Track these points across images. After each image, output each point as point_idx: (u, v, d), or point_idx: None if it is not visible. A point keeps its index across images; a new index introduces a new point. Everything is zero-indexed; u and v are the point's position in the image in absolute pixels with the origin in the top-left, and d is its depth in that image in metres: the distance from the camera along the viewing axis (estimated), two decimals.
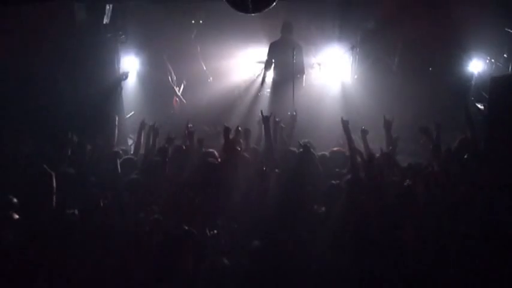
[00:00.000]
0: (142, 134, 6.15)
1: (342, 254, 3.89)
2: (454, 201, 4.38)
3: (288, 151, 5.68)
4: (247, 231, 4.22)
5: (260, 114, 5.84)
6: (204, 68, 9.93)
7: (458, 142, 5.79)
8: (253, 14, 5.28)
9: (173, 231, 3.93)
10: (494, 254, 3.70)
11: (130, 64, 8.89)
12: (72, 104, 7.20)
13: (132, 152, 6.36)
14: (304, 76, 8.99)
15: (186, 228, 3.85)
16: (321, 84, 9.46)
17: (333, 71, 9.51)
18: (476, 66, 8.91)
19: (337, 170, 5.41)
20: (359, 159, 5.20)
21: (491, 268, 3.64)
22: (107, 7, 7.54)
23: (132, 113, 8.71)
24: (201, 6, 9.75)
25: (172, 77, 9.58)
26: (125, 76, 8.35)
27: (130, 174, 5.22)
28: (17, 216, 4.19)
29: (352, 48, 9.26)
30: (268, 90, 9.23)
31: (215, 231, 3.84)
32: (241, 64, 9.88)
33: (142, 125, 6.21)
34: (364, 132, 5.65)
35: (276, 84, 8.98)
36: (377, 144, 5.67)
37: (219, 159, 5.37)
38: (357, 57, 9.53)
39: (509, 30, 8.10)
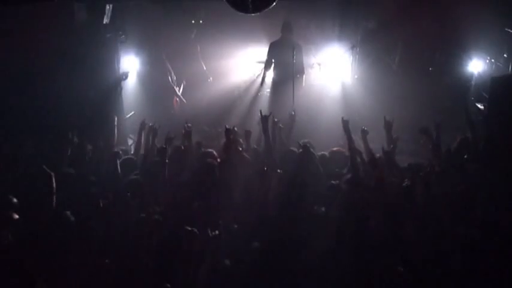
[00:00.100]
0: (143, 134, 6.14)
1: (342, 254, 3.89)
2: (454, 201, 4.37)
3: (288, 151, 5.68)
4: (248, 232, 4.21)
5: (259, 114, 5.84)
6: (204, 68, 9.93)
7: (458, 142, 5.79)
8: (253, 14, 5.29)
9: (174, 231, 3.93)
10: (494, 254, 3.70)
11: (130, 64, 8.88)
12: (72, 104, 7.19)
13: (132, 152, 6.37)
14: (304, 76, 8.99)
15: (188, 228, 3.85)
16: (321, 84, 9.45)
17: (333, 70, 9.49)
18: (476, 66, 8.90)
19: (337, 170, 5.41)
20: (358, 159, 5.20)
21: (491, 268, 3.64)
22: (107, 7, 7.53)
23: (132, 113, 8.70)
24: (201, 5, 9.75)
25: (172, 77, 9.57)
26: (124, 76, 8.34)
27: (130, 174, 5.22)
28: (17, 216, 4.18)
29: (352, 47, 9.24)
30: (268, 90, 9.22)
31: (217, 232, 3.83)
32: (241, 64, 9.87)
33: (142, 125, 6.21)
34: (364, 133, 5.65)
35: (275, 84, 8.97)
36: (377, 144, 5.67)
37: (218, 160, 5.36)
38: (357, 56, 9.51)
39: (509, 30, 8.10)
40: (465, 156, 5.39)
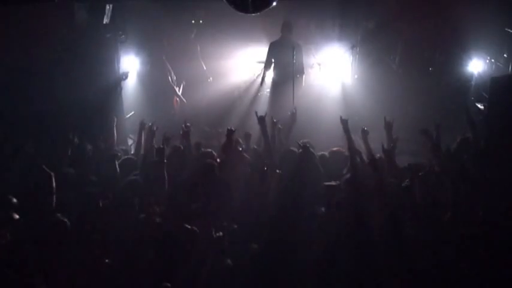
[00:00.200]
0: (143, 134, 6.14)
1: (342, 255, 3.88)
2: (454, 202, 4.37)
3: (287, 151, 5.68)
4: (247, 232, 4.21)
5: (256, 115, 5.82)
6: (204, 68, 9.93)
7: (458, 142, 5.79)
8: (253, 14, 5.29)
9: (173, 231, 3.93)
10: (495, 254, 3.70)
11: (130, 64, 8.88)
12: (72, 104, 7.19)
13: (132, 152, 6.37)
14: (304, 76, 8.99)
15: (188, 226, 3.84)
16: (321, 84, 9.45)
17: (333, 70, 9.50)
18: (476, 66, 8.90)
19: (337, 170, 5.41)
20: (358, 159, 5.20)
21: (491, 268, 3.64)
22: (107, 7, 7.53)
23: (132, 113, 8.71)
24: (201, 5, 9.75)
25: (172, 77, 9.57)
26: (124, 76, 8.35)
27: (130, 174, 5.22)
28: (17, 217, 4.18)
29: (353, 47, 9.24)
30: (268, 90, 9.22)
31: (220, 233, 3.82)
32: (241, 64, 9.87)
33: (142, 125, 6.21)
34: (364, 133, 5.65)
35: (275, 84, 8.97)
36: (378, 144, 5.67)
37: (218, 160, 5.36)
38: (357, 56, 9.51)
39: (509, 30, 8.09)
40: (465, 156, 5.39)
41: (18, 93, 6.93)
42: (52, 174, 4.63)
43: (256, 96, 9.36)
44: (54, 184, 4.61)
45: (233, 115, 8.72)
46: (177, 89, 9.62)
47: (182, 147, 5.79)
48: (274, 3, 5.23)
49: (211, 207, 4.48)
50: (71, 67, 7.32)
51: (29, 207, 4.43)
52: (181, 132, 5.95)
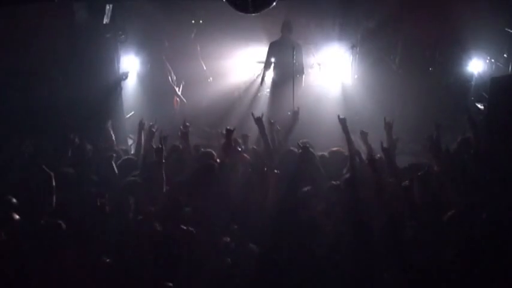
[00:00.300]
0: (142, 134, 6.14)
1: (342, 255, 3.88)
2: (454, 202, 4.37)
3: (287, 151, 5.67)
4: (247, 232, 4.21)
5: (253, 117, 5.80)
6: (204, 68, 9.93)
7: (459, 142, 5.79)
8: (253, 14, 5.29)
9: (171, 232, 3.91)
10: (495, 254, 3.70)
11: (130, 64, 8.88)
12: (72, 104, 7.19)
13: (132, 152, 6.36)
14: (303, 76, 8.99)
15: (184, 227, 3.83)
16: (321, 84, 9.45)
17: (333, 70, 9.49)
18: (476, 66, 8.90)
19: (337, 170, 5.40)
20: (357, 159, 5.20)
21: (491, 268, 3.64)
22: (107, 7, 7.53)
23: (132, 113, 8.71)
24: (201, 5, 9.74)
25: (172, 77, 9.57)
26: (124, 76, 8.35)
27: (130, 174, 5.21)
28: (17, 217, 4.18)
29: (353, 47, 9.25)
30: (268, 90, 9.22)
31: (228, 239, 3.81)
32: (241, 64, 9.87)
33: (141, 125, 6.19)
34: (364, 135, 5.65)
35: (275, 84, 8.97)
36: (378, 145, 5.66)
37: (218, 160, 5.35)
38: (357, 56, 9.51)
39: (509, 30, 8.09)
40: (466, 156, 5.39)
41: (18, 93, 6.93)
42: (52, 174, 4.63)
43: (256, 96, 9.36)
44: (54, 184, 4.61)
45: (233, 115, 8.72)
46: (177, 89, 9.63)
47: (181, 147, 5.78)
48: (274, 3, 5.24)
49: (210, 207, 4.48)
50: (71, 67, 7.31)
51: (28, 207, 4.43)
52: (179, 133, 5.94)
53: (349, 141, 5.40)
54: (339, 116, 5.63)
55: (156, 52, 9.40)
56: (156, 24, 9.15)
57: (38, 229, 4.01)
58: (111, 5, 7.58)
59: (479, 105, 7.54)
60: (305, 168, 5.13)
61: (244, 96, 9.54)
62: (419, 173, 4.67)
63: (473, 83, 8.89)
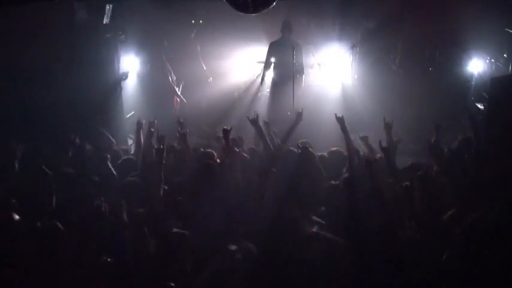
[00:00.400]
0: (141, 134, 6.12)
1: (341, 255, 3.88)
2: (454, 202, 4.37)
3: (287, 151, 5.67)
4: (246, 232, 4.21)
5: (249, 118, 5.76)
6: (204, 68, 9.93)
7: (459, 142, 5.79)
8: (253, 14, 5.29)
9: (167, 233, 3.89)
10: (495, 255, 3.70)
11: (130, 64, 8.88)
12: (72, 104, 7.19)
13: (132, 152, 6.36)
14: (303, 76, 8.99)
15: (176, 230, 3.81)
16: (321, 84, 9.45)
17: (333, 70, 9.49)
18: (476, 66, 8.90)
19: (336, 170, 5.40)
20: (356, 159, 5.20)
21: (491, 269, 3.64)
22: (107, 7, 7.53)
23: (132, 113, 8.71)
24: (201, 5, 9.75)
25: (172, 77, 9.58)
26: (124, 76, 8.35)
27: (130, 174, 5.21)
28: (17, 217, 4.18)
29: (353, 47, 9.25)
30: (268, 90, 9.22)
31: (234, 247, 3.80)
32: (241, 64, 9.87)
33: (139, 124, 6.18)
34: (365, 139, 5.64)
35: (275, 84, 8.98)
36: (378, 145, 5.66)
37: (218, 160, 5.35)
38: (357, 56, 9.52)
39: (509, 30, 8.09)
40: (466, 156, 5.38)
41: (17, 93, 6.92)
42: (51, 173, 4.63)
43: (256, 97, 9.36)
44: (54, 184, 4.61)
45: (233, 115, 8.71)
46: (177, 89, 9.63)
47: (181, 149, 5.77)
48: (274, 3, 5.24)
49: (210, 207, 4.47)
50: (71, 67, 7.31)
51: (28, 207, 4.43)
52: (177, 135, 5.93)
53: (347, 140, 5.39)
54: (336, 115, 5.62)
55: (156, 52, 9.41)
56: (156, 24, 9.15)
57: (38, 230, 4.00)
58: (111, 5, 7.58)
59: (479, 105, 7.55)
60: (305, 168, 5.13)
61: (244, 97, 9.54)
62: (419, 173, 4.67)
63: (473, 83, 8.90)
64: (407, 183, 4.30)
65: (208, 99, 9.60)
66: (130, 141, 7.92)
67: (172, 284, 3.58)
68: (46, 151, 5.90)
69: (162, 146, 4.97)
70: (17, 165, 5.32)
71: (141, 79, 9.24)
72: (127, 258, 3.86)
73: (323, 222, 4.34)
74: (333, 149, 5.85)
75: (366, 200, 4.43)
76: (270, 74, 9.06)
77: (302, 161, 5.20)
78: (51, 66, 7.24)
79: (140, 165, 5.51)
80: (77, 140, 5.78)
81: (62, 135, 5.92)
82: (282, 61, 8.70)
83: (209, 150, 5.69)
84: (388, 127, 5.79)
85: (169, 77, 9.51)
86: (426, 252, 3.87)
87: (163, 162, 4.85)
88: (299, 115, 6.25)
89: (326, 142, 6.54)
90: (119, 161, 5.63)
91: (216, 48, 9.63)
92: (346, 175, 4.97)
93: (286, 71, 8.58)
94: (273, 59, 8.84)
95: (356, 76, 9.54)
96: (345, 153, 5.47)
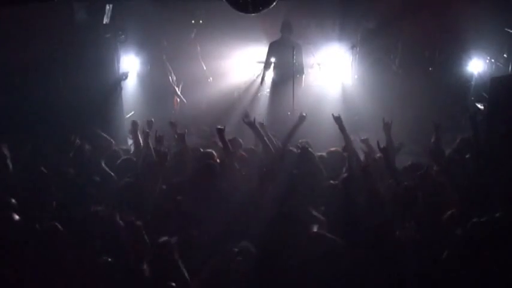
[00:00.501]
0: (139, 134, 6.11)
1: (338, 254, 3.88)
2: (453, 202, 4.37)
3: (287, 151, 5.67)
4: (247, 232, 4.20)
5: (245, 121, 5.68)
6: (204, 68, 9.93)
7: (459, 142, 5.79)
8: (253, 14, 5.29)
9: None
10: (495, 255, 3.70)
11: (130, 64, 8.88)
12: (72, 104, 7.19)
13: (132, 152, 6.35)
14: (303, 76, 8.99)
15: (163, 239, 3.77)
16: (321, 84, 9.45)
17: (333, 70, 9.49)
18: (476, 66, 8.91)
19: (336, 170, 5.40)
20: (355, 159, 5.20)
21: (492, 269, 3.63)
22: (107, 7, 7.54)
23: (132, 113, 8.71)
24: (201, 5, 9.75)
25: (172, 77, 9.58)
26: (124, 76, 8.35)
27: (129, 175, 5.20)
28: (17, 217, 4.18)
29: (353, 47, 9.26)
30: (268, 90, 9.22)
31: (235, 248, 3.79)
32: (241, 64, 9.87)
33: (134, 125, 6.16)
34: (365, 141, 5.63)
35: (275, 84, 8.98)
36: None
37: (218, 160, 5.35)
38: (357, 56, 9.52)
39: (509, 30, 8.10)
40: (466, 156, 5.38)
41: (17, 94, 6.93)
42: (52, 174, 4.63)
43: (256, 97, 9.36)
44: (54, 184, 4.61)
45: (233, 115, 8.71)
46: (177, 89, 9.63)
47: (180, 149, 5.77)
48: (274, 3, 5.24)
49: (210, 207, 4.47)
50: (71, 67, 7.31)
51: (28, 208, 4.43)
52: (175, 136, 5.92)
53: (346, 139, 5.38)
54: (333, 115, 5.61)
55: (156, 52, 9.41)
56: (156, 24, 9.16)
57: (37, 230, 4.00)
58: (111, 5, 7.59)
59: (479, 105, 7.54)
60: (304, 168, 5.13)
61: (244, 97, 9.54)
62: (419, 173, 4.67)
63: (473, 83, 8.90)
64: (407, 183, 4.30)
65: (208, 99, 9.60)
66: (130, 141, 7.92)
67: (173, 284, 3.57)
68: (46, 151, 5.90)
69: (166, 151, 4.94)
70: (10, 164, 5.29)
71: (141, 79, 9.24)
72: (127, 258, 3.85)
73: (322, 217, 4.34)
74: (332, 149, 5.84)
75: (365, 199, 4.43)
76: (270, 74, 9.05)
77: (302, 160, 5.20)
78: (51, 66, 7.24)
79: (140, 166, 5.50)
80: (77, 141, 5.77)
81: (62, 135, 5.92)
82: (282, 61, 8.70)
83: (209, 150, 5.68)
84: (387, 127, 5.79)
85: (169, 77, 9.51)
86: (426, 252, 3.86)
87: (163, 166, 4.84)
88: (302, 117, 6.09)
89: (326, 142, 6.53)
90: (119, 161, 5.62)
91: (216, 48, 9.64)
92: (345, 175, 4.97)
93: (286, 71, 8.58)
94: (273, 59, 8.84)
95: (356, 76, 9.54)
96: (345, 153, 5.46)
